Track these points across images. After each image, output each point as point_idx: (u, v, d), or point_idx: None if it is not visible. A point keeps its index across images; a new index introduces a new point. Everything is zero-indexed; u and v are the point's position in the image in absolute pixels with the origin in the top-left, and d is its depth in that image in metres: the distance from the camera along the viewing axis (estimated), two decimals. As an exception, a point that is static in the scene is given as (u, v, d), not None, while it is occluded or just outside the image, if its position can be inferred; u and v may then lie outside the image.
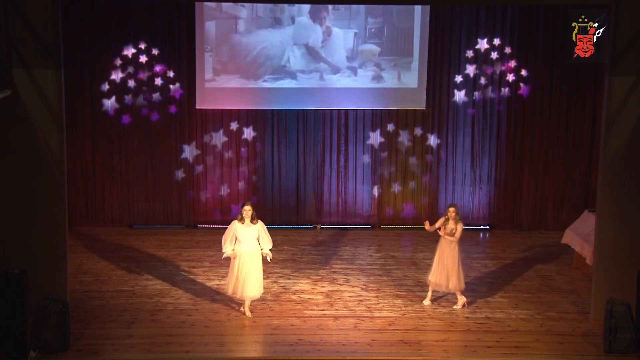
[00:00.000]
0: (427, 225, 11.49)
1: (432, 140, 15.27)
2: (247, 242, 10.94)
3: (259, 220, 11.09)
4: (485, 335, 10.67)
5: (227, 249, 10.94)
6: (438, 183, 15.38)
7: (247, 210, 10.87)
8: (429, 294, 11.63)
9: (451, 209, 11.40)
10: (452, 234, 11.36)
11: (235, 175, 15.24)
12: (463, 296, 11.56)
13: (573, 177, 15.33)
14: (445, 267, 11.38)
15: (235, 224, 10.95)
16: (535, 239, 14.94)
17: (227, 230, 11.03)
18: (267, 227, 15.28)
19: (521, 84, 15.08)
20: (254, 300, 11.35)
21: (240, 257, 10.95)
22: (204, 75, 14.81)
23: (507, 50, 14.98)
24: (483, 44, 14.97)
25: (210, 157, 15.15)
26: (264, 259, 11.12)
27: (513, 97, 15.12)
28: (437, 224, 11.46)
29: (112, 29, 14.58)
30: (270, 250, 11.08)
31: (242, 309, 11.25)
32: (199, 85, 14.87)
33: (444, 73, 15.05)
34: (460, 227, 11.40)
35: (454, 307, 11.52)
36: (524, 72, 15.03)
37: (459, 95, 15.13)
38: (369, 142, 15.26)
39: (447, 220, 11.38)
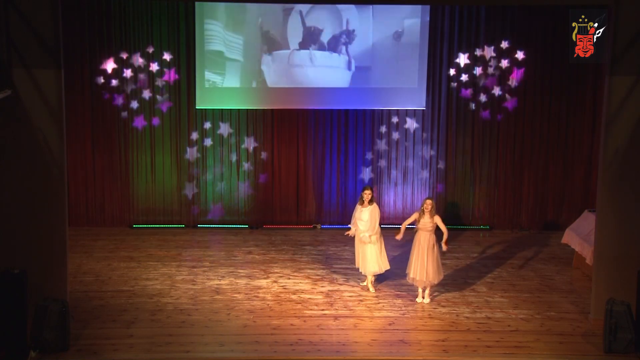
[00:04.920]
0: (401, 233, 11.91)
1: (432, 140, 15.27)
2: (361, 222, 11.91)
3: (374, 204, 11.96)
4: (485, 335, 10.67)
5: (352, 227, 12.11)
6: (438, 183, 15.38)
7: (366, 194, 11.91)
8: (420, 290, 11.70)
9: (428, 201, 11.56)
10: (428, 229, 11.45)
11: (235, 175, 15.23)
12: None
13: (573, 177, 15.34)
14: (423, 261, 11.43)
15: (357, 205, 12.04)
16: (535, 239, 14.95)
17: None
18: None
19: (521, 84, 15.08)
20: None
21: (357, 236, 12.03)
22: (204, 75, 14.82)
23: (507, 49, 14.98)
24: (483, 44, 14.97)
25: (210, 156, 15.15)
26: (379, 238, 11.99)
27: (513, 97, 15.12)
28: (411, 220, 11.73)
29: (113, 29, 14.58)
30: (369, 235, 11.87)
31: (364, 284, 12.18)
32: (199, 85, 14.87)
33: (443, 73, 15.06)
34: (439, 219, 11.56)
35: (423, 300, 11.62)
36: (523, 72, 15.04)
37: (459, 95, 15.13)
38: (369, 142, 15.26)
39: (422, 213, 11.46)
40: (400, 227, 11.91)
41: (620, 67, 10.50)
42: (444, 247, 11.63)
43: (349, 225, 12.28)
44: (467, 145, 15.29)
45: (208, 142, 15.10)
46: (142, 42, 14.70)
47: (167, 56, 14.77)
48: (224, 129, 15.09)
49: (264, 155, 15.21)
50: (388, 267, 12.14)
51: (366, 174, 15.32)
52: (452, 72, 15.05)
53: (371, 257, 11.94)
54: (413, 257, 11.62)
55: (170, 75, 14.84)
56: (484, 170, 15.37)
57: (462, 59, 15.02)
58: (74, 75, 14.48)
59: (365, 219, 11.89)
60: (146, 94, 14.86)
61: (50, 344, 9.89)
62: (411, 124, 15.24)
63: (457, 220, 15.29)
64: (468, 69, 15.05)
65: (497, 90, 15.10)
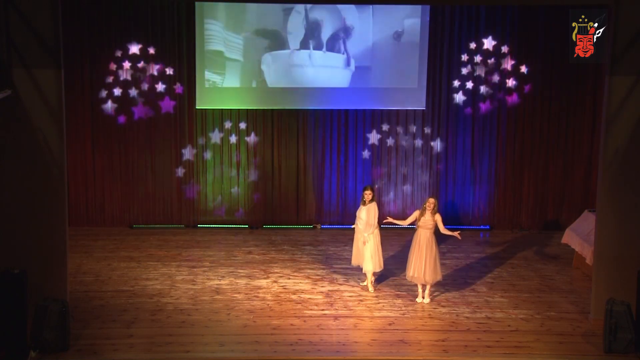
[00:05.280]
0: (392, 219, 12.07)
1: (432, 140, 15.27)
2: (360, 221, 12.01)
3: (373, 203, 11.99)
4: (485, 335, 10.67)
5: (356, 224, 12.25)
6: (438, 183, 15.39)
7: (366, 194, 12.01)
8: (420, 290, 11.72)
9: (431, 200, 11.62)
10: (429, 227, 11.50)
11: (235, 175, 15.24)
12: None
13: (573, 177, 15.34)
14: (422, 259, 11.47)
15: (360, 206, 12.11)
16: (535, 239, 14.95)
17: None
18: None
19: (521, 84, 15.08)
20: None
21: (356, 234, 12.15)
22: (204, 75, 14.82)
23: (507, 50, 14.99)
24: (483, 44, 14.97)
25: (210, 157, 15.15)
26: (378, 236, 12.04)
27: (513, 97, 15.12)
28: (412, 219, 11.78)
29: (112, 29, 14.59)
30: (366, 234, 11.95)
31: (364, 284, 12.17)
32: (199, 85, 14.87)
33: (443, 73, 15.06)
34: (439, 217, 11.62)
35: (423, 300, 11.64)
36: (523, 72, 15.04)
37: (459, 95, 15.13)
38: (369, 142, 15.26)
39: (424, 211, 11.50)
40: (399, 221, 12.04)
41: (620, 67, 10.50)
42: (458, 236, 11.68)
43: (352, 226, 12.37)
44: (467, 145, 15.29)
45: (208, 142, 15.10)
46: (142, 42, 14.69)
47: (167, 56, 14.76)
48: (224, 128, 15.08)
49: (264, 155, 15.20)
50: (381, 268, 12.17)
51: (366, 173, 15.32)
52: (452, 72, 15.04)
53: (366, 255, 11.97)
54: (412, 254, 11.64)
55: (171, 75, 14.83)
56: (484, 170, 15.37)
57: (462, 59, 15.01)
58: (74, 75, 14.48)
59: (363, 218, 11.92)
60: (146, 93, 14.86)
61: (50, 344, 9.89)
62: (411, 124, 15.23)
63: (457, 220, 15.29)
64: (468, 68, 15.04)
65: (497, 90, 15.10)
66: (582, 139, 15.23)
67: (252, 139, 15.15)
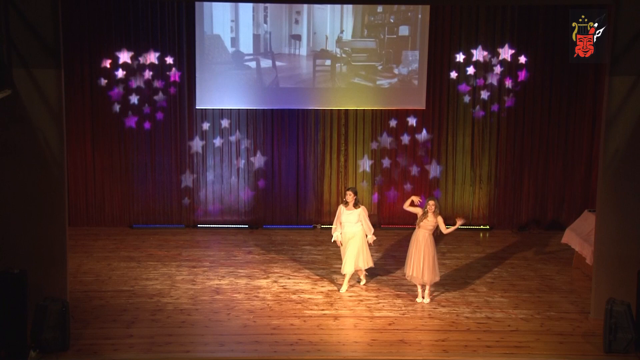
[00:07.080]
0: (409, 204, 11.88)
1: (432, 140, 15.27)
2: (348, 225, 11.94)
3: (361, 206, 12.03)
4: (485, 335, 10.67)
5: (335, 233, 12.10)
6: (438, 183, 15.38)
7: (348, 195, 11.94)
8: (419, 290, 11.71)
9: (432, 202, 11.60)
10: (429, 228, 11.52)
11: (235, 174, 15.24)
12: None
13: (573, 177, 15.34)
14: (420, 259, 11.49)
15: (340, 207, 12.07)
16: (535, 239, 14.95)
17: (336, 215, 12.19)
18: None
19: (521, 84, 15.08)
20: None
21: (344, 239, 12.02)
22: (204, 75, 14.81)
23: (507, 49, 14.98)
24: (483, 44, 14.97)
25: (210, 156, 15.15)
26: (364, 236, 12.05)
27: (513, 97, 15.12)
28: (414, 210, 11.75)
29: (113, 28, 14.58)
30: (372, 235, 12.04)
31: (363, 284, 12.32)
32: (199, 85, 14.87)
33: (444, 72, 15.05)
34: (441, 219, 11.63)
35: (423, 300, 11.65)
36: (523, 72, 15.03)
37: (459, 95, 15.13)
38: (369, 141, 15.26)
39: (425, 213, 11.51)
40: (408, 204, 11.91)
41: (620, 67, 10.51)
42: (461, 220, 11.80)
43: (332, 234, 12.17)
44: (467, 145, 15.29)
45: (208, 142, 15.10)
46: (142, 42, 14.69)
47: (167, 56, 14.75)
48: (224, 128, 15.08)
49: (263, 155, 15.21)
50: (372, 265, 12.25)
51: (366, 173, 15.32)
52: (452, 72, 15.04)
53: (360, 253, 11.96)
54: (410, 254, 11.66)
55: (170, 75, 14.83)
56: (484, 170, 15.37)
57: (462, 59, 15.01)
58: (74, 75, 14.48)
59: (353, 221, 11.90)
60: (146, 93, 14.85)
61: (50, 344, 9.89)
62: (411, 124, 15.23)
63: (456, 221, 15.25)
64: (468, 68, 15.04)
65: (497, 90, 15.10)
66: (582, 139, 15.23)
67: (252, 139, 15.14)
